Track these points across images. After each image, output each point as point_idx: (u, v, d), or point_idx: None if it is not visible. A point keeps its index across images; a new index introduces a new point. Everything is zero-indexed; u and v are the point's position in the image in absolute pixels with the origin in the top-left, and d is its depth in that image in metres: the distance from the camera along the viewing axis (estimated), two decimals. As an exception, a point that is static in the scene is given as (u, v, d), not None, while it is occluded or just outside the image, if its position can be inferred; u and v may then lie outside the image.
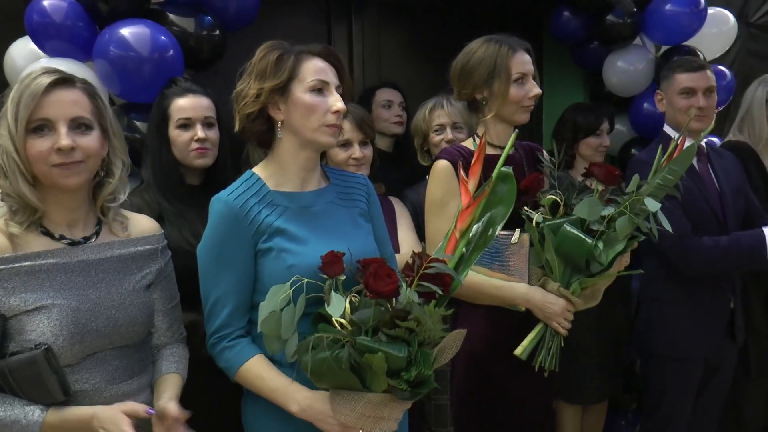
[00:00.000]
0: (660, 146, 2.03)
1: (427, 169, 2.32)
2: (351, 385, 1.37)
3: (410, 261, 1.36)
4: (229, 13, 2.53)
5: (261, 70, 1.52)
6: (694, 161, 2.45)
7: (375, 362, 1.30)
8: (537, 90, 2.00)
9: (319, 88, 1.52)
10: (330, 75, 1.55)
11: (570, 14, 3.24)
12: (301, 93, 1.51)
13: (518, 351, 1.90)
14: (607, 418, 3.15)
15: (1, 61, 2.51)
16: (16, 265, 1.36)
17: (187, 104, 2.03)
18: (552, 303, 1.89)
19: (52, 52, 2.33)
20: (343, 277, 1.41)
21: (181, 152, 2.03)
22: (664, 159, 1.96)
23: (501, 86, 1.97)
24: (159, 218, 1.78)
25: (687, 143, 2.44)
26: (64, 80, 1.38)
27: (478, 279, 1.92)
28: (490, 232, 1.56)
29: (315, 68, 1.53)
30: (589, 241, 1.82)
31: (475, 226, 1.53)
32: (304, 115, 1.52)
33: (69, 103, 1.38)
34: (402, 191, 2.62)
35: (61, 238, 1.42)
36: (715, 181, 2.46)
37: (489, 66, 1.98)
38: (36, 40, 2.34)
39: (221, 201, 1.54)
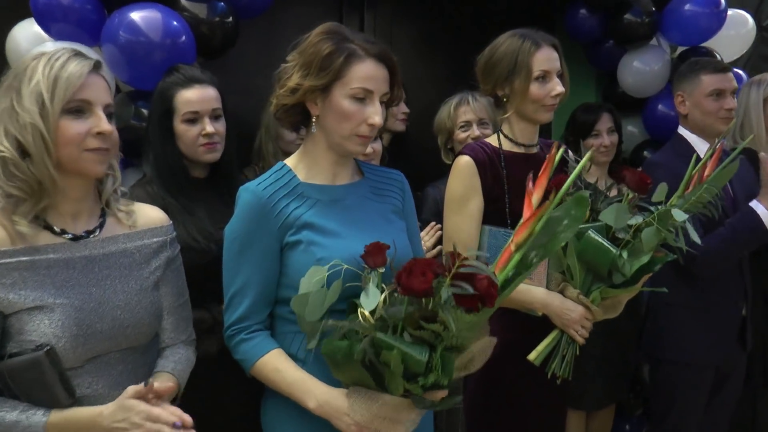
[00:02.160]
0: (694, 156, 1.96)
1: (424, 168, 2.31)
2: (365, 382, 1.33)
3: (444, 260, 1.30)
4: (243, 1, 2.47)
5: (307, 62, 1.45)
6: (695, 157, 2.39)
7: (392, 360, 1.24)
8: (560, 88, 1.93)
9: (362, 97, 1.44)
10: (378, 82, 1.45)
11: (586, 12, 3.19)
12: (341, 97, 1.44)
13: (532, 356, 1.85)
14: (613, 423, 3.10)
15: (2, 43, 2.43)
16: (14, 259, 1.27)
17: (194, 96, 1.92)
18: (570, 310, 1.85)
19: (58, 36, 2.26)
20: (383, 270, 1.35)
21: (189, 147, 1.94)
22: (696, 169, 1.90)
23: (521, 83, 1.91)
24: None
25: (704, 148, 2.42)
26: (97, 64, 1.33)
27: None
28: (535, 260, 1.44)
29: (363, 74, 1.44)
30: (614, 250, 1.77)
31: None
32: (338, 120, 1.46)
33: (104, 88, 1.32)
34: (423, 189, 2.58)
35: (63, 232, 1.34)
36: (729, 186, 2.41)
37: (510, 62, 1.92)
38: (41, 23, 2.27)
39: (249, 191, 1.49)
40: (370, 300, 1.30)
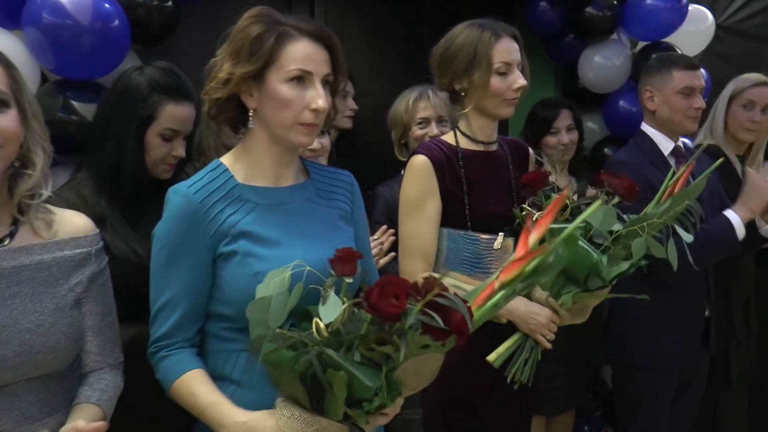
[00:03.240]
0: (673, 165, 1.93)
1: (376, 166, 2.19)
2: (300, 399, 1.19)
3: (420, 283, 1.17)
4: (184, -16, 2.30)
5: (237, 48, 1.31)
6: (673, 163, 2.38)
7: (336, 382, 1.11)
8: (522, 81, 1.85)
9: (300, 77, 1.31)
10: (317, 63, 1.33)
11: (547, 4, 3.14)
12: (277, 83, 1.31)
13: (491, 357, 1.77)
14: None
15: None
16: None
17: (181, 115, 1.76)
18: (537, 314, 1.78)
19: (-30, 18, 2.04)
20: (350, 280, 1.21)
21: (154, 162, 1.77)
22: (675, 179, 1.85)
23: (481, 76, 1.83)
24: (99, 222, 1.50)
25: (669, 146, 2.40)
26: None
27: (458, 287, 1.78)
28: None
29: (299, 54, 1.31)
30: (596, 256, 1.70)
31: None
32: (277, 108, 1.32)
33: None
34: (374, 187, 2.48)
35: None
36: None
37: (469, 54, 1.84)
38: (-49, 3, 2.04)
39: (179, 194, 1.33)
40: (330, 312, 1.16)
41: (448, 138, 1.94)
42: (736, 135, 2.68)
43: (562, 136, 2.82)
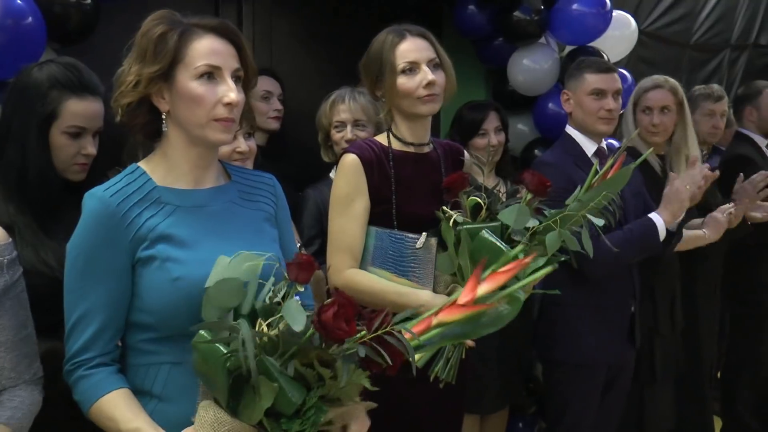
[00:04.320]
0: (596, 161, 1.97)
1: (307, 168, 2.21)
2: (220, 391, 1.16)
3: (371, 313, 1.17)
4: (104, -19, 2.25)
5: (141, 51, 1.29)
6: (596, 163, 2.42)
7: (265, 390, 1.10)
8: (431, 77, 1.86)
9: (209, 73, 1.29)
10: (225, 58, 1.31)
11: (475, 8, 3.18)
12: (186, 81, 1.29)
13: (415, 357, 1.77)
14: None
15: None
16: None
17: (84, 110, 1.66)
18: None
19: None
20: (302, 289, 1.19)
21: (63, 163, 1.67)
22: (598, 177, 1.88)
23: (389, 79, 1.87)
24: (8, 230, 1.43)
25: (592, 147, 2.47)
26: None
27: (381, 284, 1.84)
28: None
29: (205, 49, 1.30)
30: (508, 251, 1.73)
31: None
32: (190, 107, 1.29)
33: None
34: (304, 190, 2.48)
35: None
36: None
37: (377, 60, 1.89)
38: None
39: (95, 197, 1.29)
40: (297, 319, 1.11)
41: (381, 139, 1.97)
42: (646, 139, 2.79)
43: (491, 137, 2.85)
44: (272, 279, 1.21)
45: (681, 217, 2.43)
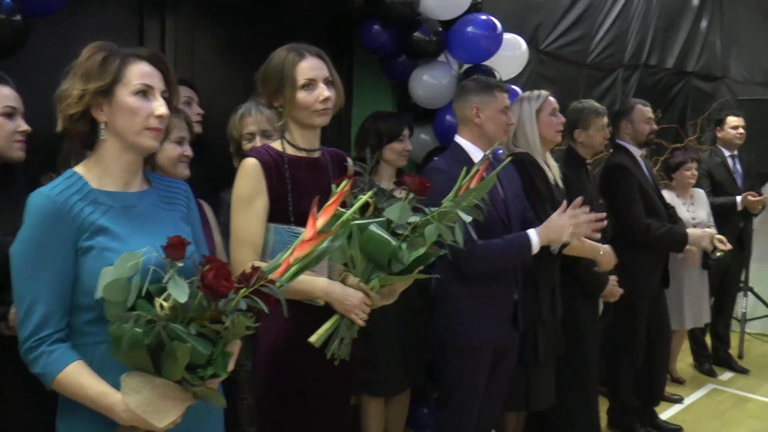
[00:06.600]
0: (464, 168, 2.19)
1: (225, 171, 2.39)
2: (144, 366, 1.41)
3: (247, 272, 1.44)
4: (33, -2, 2.36)
5: (86, 71, 1.53)
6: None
7: (181, 351, 1.35)
8: (327, 93, 2.05)
9: (144, 91, 1.55)
10: (156, 80, 1.58)
11: (380, 27, 3.34)
12: (125, 96, 1.54)
13: (313, 339, 1.97)
14: (411, 407, 3.32)
15: None
16: None
17: (10, 93, 1.95)
18: (351, 296, 1.97)
19: None
20: (181, 264, 1.43)
21: (3, 141, 1.94)
22: (467, 179, 2.13)
23: (289, 93, 2.05)
24: None
25: (479, 155, 2.71)
26: None
27: None
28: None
29: (141, 72, 1.56)
30: (394, 243, 1.95)
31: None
32: (127, 117, 1.54)
33: None
34: (218, 194, 2.62)
35: None
36: (500, 188, 2.73)
37: (278, 75, 2.06)
38: None
39: (42, 195, 1.50)
40: (181, 291, 1.37)
41: (276, 145, 2.14)
42: (553, 139, 3.08)
43: (406, 143, 3.11)
44: (152, 268, 1.42)
45: (561, 243, 2.70)
